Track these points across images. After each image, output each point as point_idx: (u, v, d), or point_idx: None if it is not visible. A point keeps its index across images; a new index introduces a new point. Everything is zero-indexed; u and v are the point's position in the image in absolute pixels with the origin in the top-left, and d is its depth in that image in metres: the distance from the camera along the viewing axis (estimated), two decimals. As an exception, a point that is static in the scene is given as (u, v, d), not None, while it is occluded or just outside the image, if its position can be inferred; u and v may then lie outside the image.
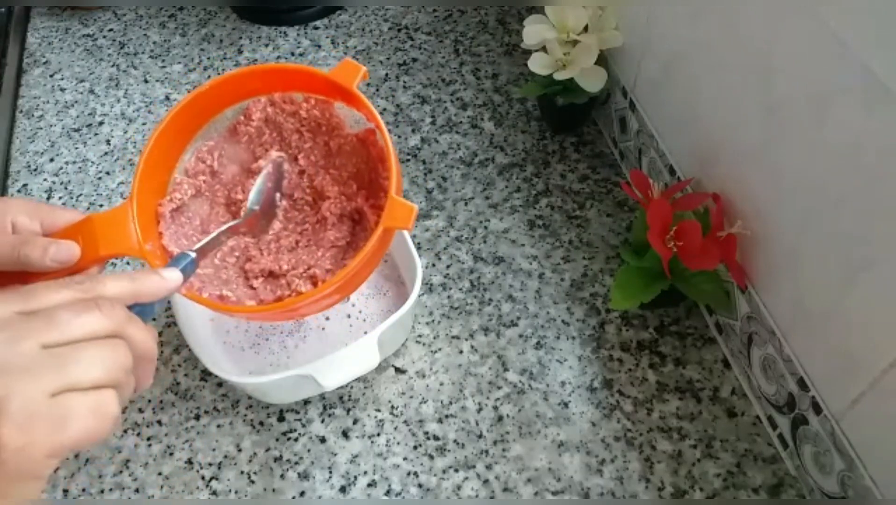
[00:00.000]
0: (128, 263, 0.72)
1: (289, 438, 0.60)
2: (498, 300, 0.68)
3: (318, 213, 0.53)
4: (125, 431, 0.61)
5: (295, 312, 0.49)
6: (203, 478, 0.58)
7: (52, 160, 0.83)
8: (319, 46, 0.94)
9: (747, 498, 0.55)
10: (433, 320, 0.67)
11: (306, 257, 0.51)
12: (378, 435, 0.60)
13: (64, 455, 0.30)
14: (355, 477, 0.58)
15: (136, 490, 0.58)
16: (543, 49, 0.74)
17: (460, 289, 0.69)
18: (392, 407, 0.61)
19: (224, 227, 0.48)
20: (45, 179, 0.81)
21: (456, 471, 0.58)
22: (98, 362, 0.32)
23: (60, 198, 0.79)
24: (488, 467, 0.58)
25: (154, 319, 0.68)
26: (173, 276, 0.40)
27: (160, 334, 0.66)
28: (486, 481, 0.57)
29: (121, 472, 0.58)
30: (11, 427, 0.28)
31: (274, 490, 0.57)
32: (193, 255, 0.43)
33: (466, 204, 0.75)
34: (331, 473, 0.58)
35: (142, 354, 0.35)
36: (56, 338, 0.31)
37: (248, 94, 0.52)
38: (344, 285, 0.46)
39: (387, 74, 0.89)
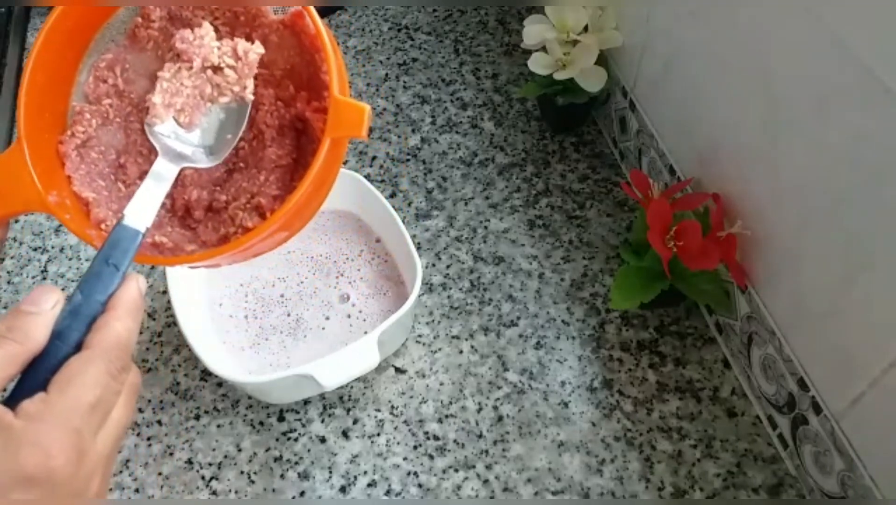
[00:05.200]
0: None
1: (289, 438, 0.60)
2: (498, 300, 0.68)
3: (253, 127, 0.43)
4: (125, 431, 0.61)
5: (245, 252, 0.41)
6: (203, 478, 0.58)
7: (52, 160, 0.83)
8: None
9: (747, 498, 0.55)
10: (433, 320, 0.67)
11: (247, 184, 0.43)
12: (378, 435, 0.60)
13: None
14: (355, 477, 0.58)
15: (136, 490, 0.58)
16: (543, 49, 0.74)
17: (460, 289, 0.69)
18: (392, 407, 0.61)
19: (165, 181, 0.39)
20: (45, 179, 0.81)
21: (456, 471, 0.58)
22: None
23: (60, 198, 0.79)
24: (488, 467, 0.58)
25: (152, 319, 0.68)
26: (140, 284, 0.36)
27: (160, 334, 0.66)
28: (486, 481, 0.57)
29: (121, 472, 0.58)
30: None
31: (274, 490, 0.57)
32: (143, 230, 0.37)
33: (466, 204, 0.75)
34: (331, 473, 0.58)
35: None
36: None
37: None
38: (296, 214, 0.39)
39: (387, 74, 0.89)
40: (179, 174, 0.40)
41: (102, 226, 0.41)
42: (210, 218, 0.43)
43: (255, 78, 0.43)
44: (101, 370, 0.31)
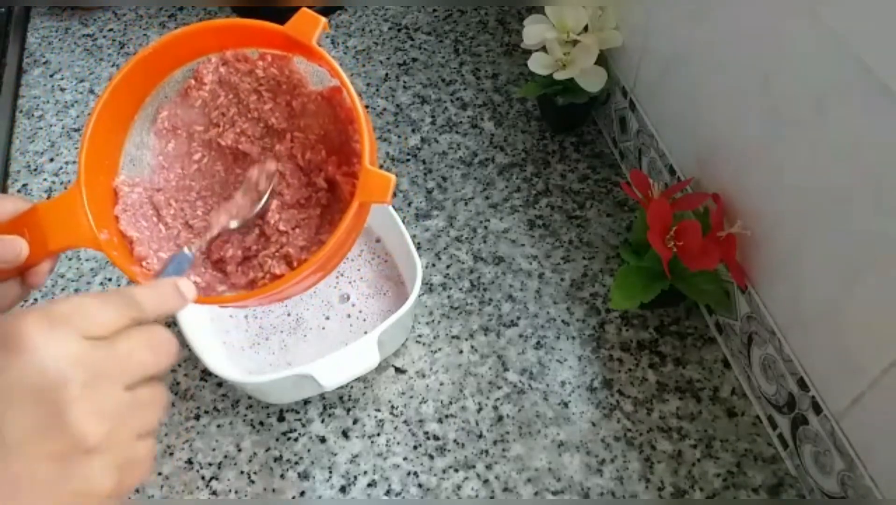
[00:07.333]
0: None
1: (289, 438, 0.60)
2: (498, 300, 0.68)
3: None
4: (125, 431, 0.61)
5: (271, 298, 0.45)
6: (203, 478, 0.58)
7: (52, 160, 0.83)
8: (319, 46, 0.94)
9: (747, 498, 0.55)
10: (433, 320, 0.67)
11: (277, 235, 0.48)
12: (378, 435, 0.60)
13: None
14: (355, 477, 0.58)
15: (136, 490, 0.58)
16: (543, 49, 0.74)
17: (460, 289, 0.69)
18: (392, 407, 0.61)
19: (221, 226, 0.45)
20: (44, 179, 0.81)
21: (456, 471, 0.58)
22: (160, 407, 0.33)
23: (60, 198, 0.79)
24: (488, 467, 0.58)
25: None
26: (190, 290, 0.38)
27: (160, 334, 0.66)
28: (486, 481, 0.57)
29: (121, 472, 0.58)
30: (115, 475, 0.29)
31: (274, 490, 0.57)
32: (191, 255, 0.41)
33: (466, 204, 0.75)
34: (331, 473, 0.58)
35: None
36: (131, 379, 0.31)
37: (197, 54, 0.47)
38: (322, 266, 0.43)
39: (387, 74, 0.89)
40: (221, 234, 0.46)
41: (144, 263, 0.45)
42: (241, 263, 0.47)
43: (292, 141, 0.48)
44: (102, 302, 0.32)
